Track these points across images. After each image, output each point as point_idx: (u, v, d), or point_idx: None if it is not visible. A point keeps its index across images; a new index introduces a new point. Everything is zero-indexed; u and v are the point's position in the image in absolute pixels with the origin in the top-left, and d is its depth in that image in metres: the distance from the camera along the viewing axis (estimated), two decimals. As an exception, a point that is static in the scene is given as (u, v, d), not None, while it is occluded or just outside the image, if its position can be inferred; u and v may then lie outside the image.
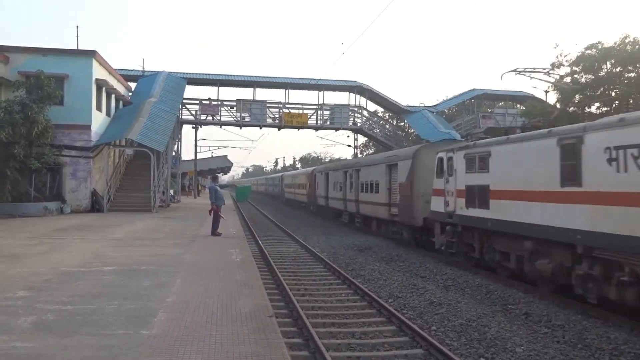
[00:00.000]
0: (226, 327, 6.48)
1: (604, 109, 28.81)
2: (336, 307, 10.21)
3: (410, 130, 49.21)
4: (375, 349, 7.77)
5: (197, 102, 40.34)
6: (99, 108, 27.71)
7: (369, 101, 43.67)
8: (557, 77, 29.58)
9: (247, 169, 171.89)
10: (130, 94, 35.46)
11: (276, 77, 42.32)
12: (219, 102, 40.27)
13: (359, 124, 42.68)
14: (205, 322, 6.67)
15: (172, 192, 37.93)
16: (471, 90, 46.02)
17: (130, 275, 9.71)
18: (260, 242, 18.81)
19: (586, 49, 30.63)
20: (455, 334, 8.53)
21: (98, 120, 27.50)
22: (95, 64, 26.66)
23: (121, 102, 32.84)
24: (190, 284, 9.10)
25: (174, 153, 39.32)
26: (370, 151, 62.75)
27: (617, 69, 29.98)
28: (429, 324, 9.13)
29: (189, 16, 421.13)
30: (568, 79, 31.50)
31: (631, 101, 27.04)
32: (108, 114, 29.79)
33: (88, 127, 26.13)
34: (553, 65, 32.21)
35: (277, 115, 40.76)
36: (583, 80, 30.86)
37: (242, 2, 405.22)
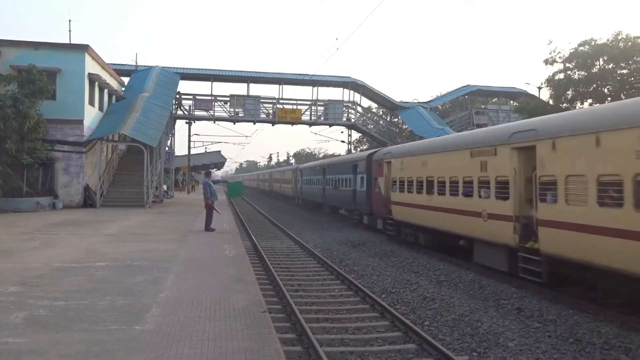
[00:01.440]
0: (219, 322, 6.48)
1: (597, 105, 28.98)
2: (330, 303, 10.23)
3: (404, 127, 49.26)
4: (368, 344, 7.79)
5: (191, 97, 40.19)
6: (91, 103, 27.54)
7: (363, 97, 43.68)
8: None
9: (241, 164, 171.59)
10: (123, 88, 35.26)
11: (270, 73, 42.21)
12: (213, 98, 40.13)
13: (352, 120, 42.68)
14: (199, 318, 6.66)
15: (165, 187, 37.81)
16: (465, 86, 46.13)
17: (123, 270, 9.68)
18: (253, 237, 18.81)
19: (579, 45, 30.75)
20: (448, 329, 8.57)
21: (91, 115, 27.33)
22: (87, 58, 26.47)
23: (114, 97, 32.65)
24: (183, 279, 9.08)
25: (167, 148, 39.14)
26: (364, 147, 62.70)
27: (610, 66, 30.12)
28: (422, 319, 9.17)
29: (183, 11, 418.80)
30: (561, 75, 31.65)
31: (623, 97, 27.17)
32: (101, 108, 29.61)
33: (80, 121, 25.96)
34: (546, 62, 32.38)
35: (271, 111, 40.69)
36: (576, 76, 30.99)
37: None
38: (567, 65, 31.33)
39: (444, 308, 9.76)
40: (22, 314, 6.61)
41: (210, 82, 40.49)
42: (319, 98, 41.84)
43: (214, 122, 41.48)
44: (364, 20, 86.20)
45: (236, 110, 40.09)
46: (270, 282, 11.63)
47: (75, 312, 6.75)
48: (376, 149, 25.07)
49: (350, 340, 7.90)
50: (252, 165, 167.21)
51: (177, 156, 47.26)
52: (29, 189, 24.57)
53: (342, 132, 48.77)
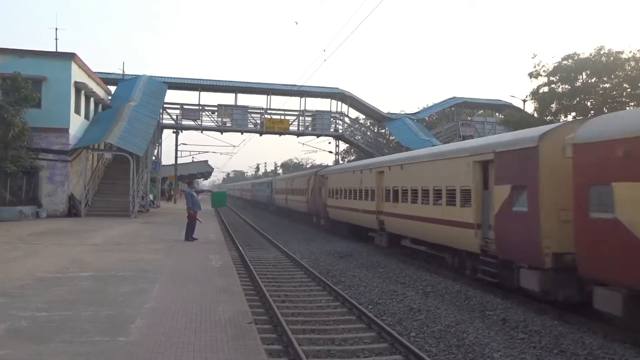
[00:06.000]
0: (205, 333, 6.44)
1: (580, 118, 29.46)
2: (316, 314, 10.19)
3: (391, 138, 49.54)
4: (354, 355, 7.78)
5: (179, 106, 40.03)
6: (77, 111, 27.33)
7: (350, 108, 43.81)
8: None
9: (228, 174, 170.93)
10: (110, 97, 35.06)
11: (258, 83, 42.24)
12: (200, 107, 40.05)
13: (340, 131, 42.79)
14: (184, 329, 6.61)
15: (151, 197, 37.52)
16: (451, 98, 46.56)
17: (108, 281, 9.58)
18: (240, 247, 18.72)
19: (563, 59, 31.27)
20: (434, 340, 8.59)
21: (76, 124, 27.11)
22: (74, 66, 26.30)
23: (100, 106, 32.43)
24: (169, 290, 9.01)
25: (154, 158, 38.91)
26: (352, 158, 62.92)
27: (593, 80, 30.66)
28: (409, 330, 9.17)
29: (171, 21, 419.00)
30: (546, 89, 32.15)
31: (606, 111, 27.66)
32: (87, 117, 29.39)
33: (66, 130, 25.74)
34: (531, 75, 32.87)
35: (258, 121, 40.64)
36: (560, 90, 31.47)
37: (225, 9, 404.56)
38: (551, 78, 31.81)
39: (430, 319, 9.78)
40: (3, 325, 6.50)
41: (197, 92, 40.39)
42: (307, 108, 41.98)
43: (202, 132, 41.38)
44: (352, 33, 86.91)
45: (224, 120, 39.97)
46: (257, 292, 11.57)
47: (58, 323, 6.66)
48: (322, 167, 33.76)
49: (336, 351, 7.88)
50: (239, 175, 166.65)
51: (163, 165, 46.99)
52: (12, 197, 24.22)
53: (329, 143, 48.87)
